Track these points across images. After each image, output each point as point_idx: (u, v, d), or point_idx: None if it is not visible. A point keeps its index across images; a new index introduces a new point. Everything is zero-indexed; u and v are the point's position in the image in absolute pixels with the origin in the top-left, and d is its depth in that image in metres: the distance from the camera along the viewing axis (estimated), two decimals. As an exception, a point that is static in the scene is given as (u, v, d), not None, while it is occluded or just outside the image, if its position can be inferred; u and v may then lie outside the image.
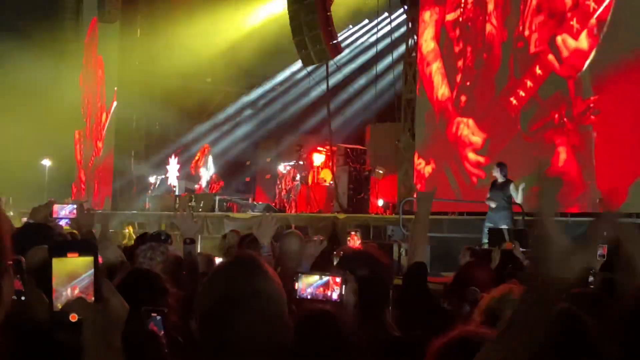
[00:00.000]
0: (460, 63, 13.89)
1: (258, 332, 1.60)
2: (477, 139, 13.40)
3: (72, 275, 1.28)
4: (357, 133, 18.73)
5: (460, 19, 13.95)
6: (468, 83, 13.71)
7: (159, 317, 2.42)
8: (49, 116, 25.26)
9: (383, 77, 17.45)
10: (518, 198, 10.40)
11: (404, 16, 16.12)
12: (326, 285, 2.42)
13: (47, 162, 28.86)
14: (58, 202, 4.24)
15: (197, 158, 20.52)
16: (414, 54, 15.11)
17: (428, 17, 14.73)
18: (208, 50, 24.44)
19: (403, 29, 16.31)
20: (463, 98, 13.79)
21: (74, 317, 1.26)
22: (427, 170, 14.40)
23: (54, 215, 4.15)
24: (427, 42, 14.69)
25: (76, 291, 1.28)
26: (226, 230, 13.08)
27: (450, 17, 14.17)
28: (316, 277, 2.46)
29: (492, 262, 5.40)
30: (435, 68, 14.46)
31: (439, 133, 14.26)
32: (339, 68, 16.73)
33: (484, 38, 13.38)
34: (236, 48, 23.33)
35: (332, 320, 2.00)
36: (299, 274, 2.46)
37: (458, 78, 13.93)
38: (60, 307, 1.27)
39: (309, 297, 2.42)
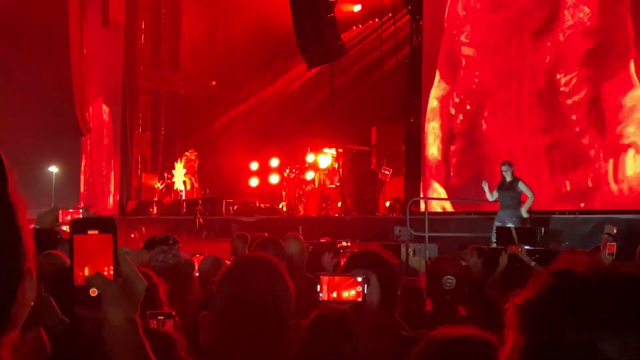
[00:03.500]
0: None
1: (268, 333, 1.60)
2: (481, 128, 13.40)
3: (92, 252, 1.33)
4: (363, 134, 18.72)
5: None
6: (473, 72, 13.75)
7: (169, 320, 2.41)
8: (56, 122, 25.34)
9: (388, 77, 17.44)
10: (529, 193, 10.38)
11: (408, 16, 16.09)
12: (348, 286, 2.37)
13: (54, 169, 28.96)
14: (63, 208, 4.24)
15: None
16: (418, 54, 15.08)
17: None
18: (212, 54, 24.51)
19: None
20: (467, 87, 13.82)
21: (93, 292, 1.31)
22: (436, 163, 14.30)
23: (60, 221, 4.15)
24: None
25: (96, 267, 1.33)
26: (233, 233, 13.09)
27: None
28: (337, 278, 2.41)
29: (500, 266, 5.38)
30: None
31: (447, 128, 14.21)
32: (343, 69, 16.70)
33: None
34: (239, 50, 23.39)
35: (344, 323, 1.99)
36: (320, 276, 2.41)
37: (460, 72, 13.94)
38: (80, 282, 1.32)
39: (330, 299, 2.37)
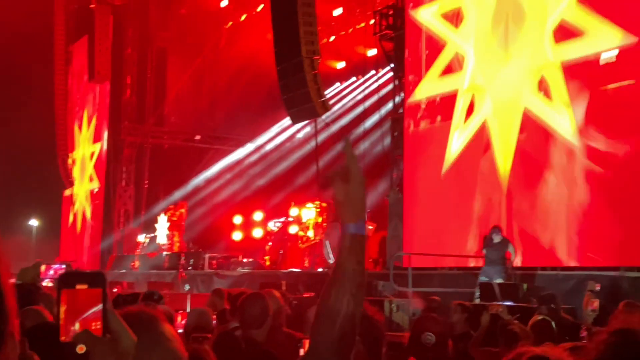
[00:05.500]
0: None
1: None
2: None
3: (81, 307, 1.27)
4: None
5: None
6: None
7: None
8: (37, 176, 25.25)
9: (371, 133, 17.64)
10: (515, 254, 10.52)
11: (391, 74, 16.37)
12: None
13: (34, 222, 28.73)
14: (45, 263, 4.22)
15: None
16: (401, 110, 15.30)
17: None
18: (196, 108, 24.70)
19: (390, 86, 16.56)
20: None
21: (81, 349, 1.24)
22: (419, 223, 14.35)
23: (42, 276, 4.13)
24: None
25: (84, 323, 1.26)
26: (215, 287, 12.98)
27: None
28: None
29: (482, 325, 5.40)
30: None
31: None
32: (327, 125, 16.89)
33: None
34: (223, 105, 23.60)
35: None
36: (302, 341, 2.34)
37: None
38: (68, 338, 1.25)
39: None
